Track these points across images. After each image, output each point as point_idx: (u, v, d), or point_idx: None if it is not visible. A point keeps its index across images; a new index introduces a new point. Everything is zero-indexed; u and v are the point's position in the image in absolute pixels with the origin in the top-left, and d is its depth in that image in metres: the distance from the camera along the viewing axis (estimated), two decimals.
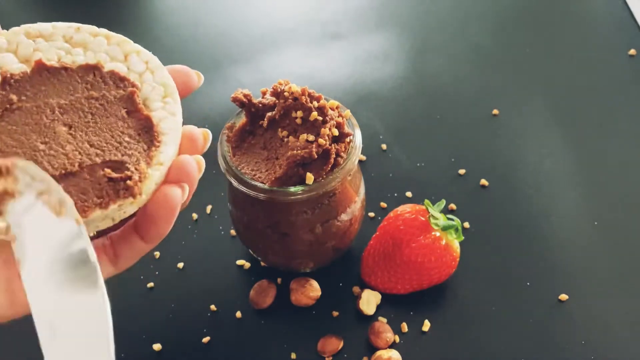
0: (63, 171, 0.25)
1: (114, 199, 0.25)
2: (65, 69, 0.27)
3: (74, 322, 0.22)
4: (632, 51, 0.58)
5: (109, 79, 0.28)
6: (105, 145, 0.26)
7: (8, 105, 0.26)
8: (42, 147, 0.26)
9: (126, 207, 0.25)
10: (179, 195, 0.26)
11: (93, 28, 0.29)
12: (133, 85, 0.28)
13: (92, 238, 0.29)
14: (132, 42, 0.29)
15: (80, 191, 0.25)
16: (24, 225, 0.23)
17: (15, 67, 0.27)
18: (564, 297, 0.42)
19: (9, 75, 0.27)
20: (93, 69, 0.28)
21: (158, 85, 0.28)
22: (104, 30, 0.29)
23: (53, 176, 0.24)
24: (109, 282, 0.43)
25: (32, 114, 0.26)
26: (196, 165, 0.27)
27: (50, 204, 0.23)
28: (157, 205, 0.26)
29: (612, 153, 0.50)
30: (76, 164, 0.25)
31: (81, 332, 0.22)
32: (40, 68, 0.27)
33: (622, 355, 0.39)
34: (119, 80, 0.28)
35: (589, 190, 0.48)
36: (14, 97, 0.26)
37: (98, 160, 0.26)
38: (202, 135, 0.29)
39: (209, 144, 0.29)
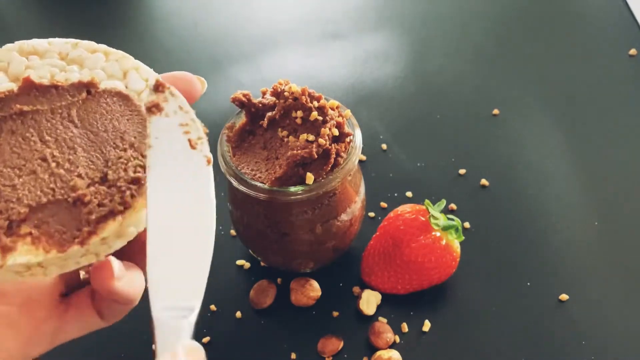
0: (41, 200, 0.23)
1: (101, 225, 0.23)
2: (56, 87, 0.26)
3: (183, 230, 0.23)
4: (632, 51, 0.58)
5: (104, 97, 0.26)
6: (93, 165, 0.25)
7: None
8: (16, 174, 0.24)
9: (112, 241, 0.24)
10: (107, 278, 0.24)
11: (91, 44, 0.27)
12: (132, 103, 0.26)
13: (83, 284, 0.28)
14: (132, 58, 0.27)
15: (59, 222, 0.23)
16: (160, 141, 0.23)
17: (3, 86, 0.25)
18: (564, 297, 0.42)
19: None
20: (86, 86, 0.26)
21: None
22: (102, 46, 0.27)
23: (29, 206, 0.23)
24: None
25: (13, 134, 0.25)
26: (199, 82, 0.27)
27: (187, 136, 0.23)
28: (95, 284, 0.24)
29: (613, 153, 0.50)
30: (56, 191, 0.24)
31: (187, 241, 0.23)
32: (28, 86, 0.25)
33: (622, 355, 0.39)
34: (117, 97, 0.26)
35: (589, 190, 0.48)
36: None
37: (96, 176, 0.24)
38: (198, 80, 0.28)
39: (204, 89, 0.29)
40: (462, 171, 0.50)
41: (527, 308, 0.42)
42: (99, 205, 0.24)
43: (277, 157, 0.36)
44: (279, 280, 0.44)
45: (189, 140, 0.24)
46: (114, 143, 0.25)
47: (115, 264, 0.24)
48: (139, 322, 0.42)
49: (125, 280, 0.25)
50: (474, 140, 0.52)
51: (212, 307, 0.43)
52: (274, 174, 0.35)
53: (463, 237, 0.41)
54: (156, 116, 0.24)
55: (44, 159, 0.24)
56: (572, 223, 0.46)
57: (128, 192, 0.24)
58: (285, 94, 0.36)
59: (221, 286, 0.44)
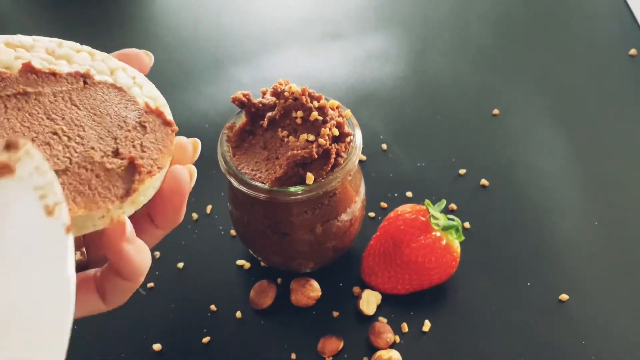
0: (60, 167, 0.24)
1: (127, 188, 0.24)
2: (54, 74, 0.26)
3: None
4: (633, 51, 0.58)
5: (100, 87, 0.27)
6: (112, 139, 0.26)
7: (7, 95, 0.25)
8: (49, 137, 0.25)
9: (126, 207, 0.25)
10: (121, 232, 0.25)
11: (76, 44, 0.28)
12: (127, 95, 0.27)
13: (84, 268, 0.28)
14: (116, 59, 0.28)
15: (83, 184, 0.24)
16: (9, 209, 0.20)
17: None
18: (564, 297, 0.42)
19: None
20: (84, 77, 0.27)
21: (147, 98, 0.28)
22: (87, 47, 0.28)
23: (58, 169, 0.24)
24: None
25: (20, 111, 0.25)
26: (188, 175, 0.27)
27: (44, 201, 0.21)
28: (104, 244, 0.25)
29: (613, 153, 0.50)
30: (81, 158, 0.25)
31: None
32: (28, 70, 0.26)
33: (622, 356, 0.39)
34: (112, 88, 0.27)
35: (590, 190, 0.48)
36: (18, 89, 0.25)
37: (108, 150, 0.25)
38: (192, 145, 0.28)
39: (198, 153, 0.29)
40: (462, 171, 0.50)
41: (527, 308, 0.42)
42: (129, 169, 0.25)
43: (277, 157, 0.36)
44: (279, 280, 0.44)
45: (45, 207, 0.21)
46: (118, 124, 0.26)
47: (128, 224, 0.25)
48: (139, 322, 0.43)
49: (135, 247, 0.25)
50: (474, 140, 0.52)
51: (212, 307, 0.43)
52: (274, 174, 0.35)
53: (463, 237, 0.41)
54: (6, 179, 0.21)
55: (55, 133, 0.25)
56: (572, 223, 0.46)
57: (149, 161, 0.26)
58: (286, 94, 0.36)
59: (221, 286, 0.44)
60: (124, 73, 0.28)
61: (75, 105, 0.26)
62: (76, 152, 0.25)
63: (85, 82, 0.27)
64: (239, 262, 0.45)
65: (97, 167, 0.25)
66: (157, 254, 0.46)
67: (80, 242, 0.28)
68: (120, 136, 0.26)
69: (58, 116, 0.25)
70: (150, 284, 0.44)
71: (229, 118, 0.38)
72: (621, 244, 0.45)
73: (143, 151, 0.26)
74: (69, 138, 0.25)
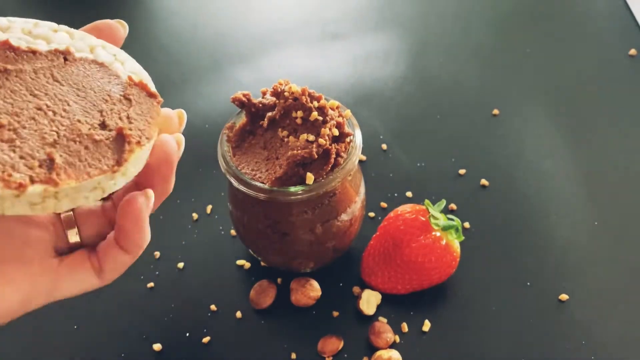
0: (47, 140, 0.24)
1: (110, 163, 0.24)
2: (34, 52, 0.26)
3: None
4: (633, 51, 0.58)
5: (81, 62, 0.27)
6: (99, 110, 0.26)
7: None
8: (33, 112, 0.24)
9: (117, 178, 0.25)
10: (142, 203, 0.26)
11: (53, 24, 0.28)
12: (109, 69, 0.27)
13: (78, 246, 0.29)
14: (94, 37, 0.28)
15: (72, 156, 0.24)
16: None
17: None
18: (564, 297, 0.42)
19: None
20: (64, 54, 0.27)
21: (130, 73, 0.28)
22: (64, 27, 0.28)
23: (46, 142, 0.24)
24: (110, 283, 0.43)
25: (1, 88, 0.25)
26: (175, 144, 0.27)
27: None
28: (123, 214, 0.26)
29: (613, 153, 0.50)
30: (68, 130, 0.25)
31: None
32: (6, 48, 0.25)
33: (622, 356, 0.39)
34: (93, 64, 0.27)
35: (589, 190, 0.48)
36: None
37: (95, 122, 0.25)
38: (177, 115, 0.28)
39: (184, 124, 0.29)
40: (462, 171, 0.50)
41: (527, 308, 0.42)
42: (117, 140, 0.25)
43: (277, 157, 0.36)
44: (279, 280, 0.44)
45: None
46: (103, 98, 0.26)
47: (151, 193, 0.26)
48: (139, 322, 0.43)
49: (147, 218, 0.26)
50: (474, 140, 0.52)
51: (212, 307, 0.43)
52: (274, 174, 0.35)
53: (463, 237, 0.41)
54: None
55: (39, 108, 0.25)
56: (572, 223, 0.46)
57: (137, 132, 0.25)
58: (285, 94, 0.36)
59: (221, 286, 0.44)
60: (104, 50, 0.28)
61: (58, 81, 0.26)
62: (62, 125, 0.25)
63: (65, 59, 0.27)
64: (239, 262, 0.45)
65: (86, 139, 0.24)
66: (157, 254, 0.46)
67: (73, 222, 0.29)
68: (106, 109, 0.26)
69: (41, 92, 0.25)
70: (150, 284, 0.44)
71: (229, 118, 0.39)
72: (621, 244, 0.45)
73: (130, 122, 0.26)
74: (54, 112, 0.25)
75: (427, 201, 0.41)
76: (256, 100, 0.38)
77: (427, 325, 0.41)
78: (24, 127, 0.24)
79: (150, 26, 0.67)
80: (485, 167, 0.50)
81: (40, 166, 0.23)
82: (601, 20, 0.62)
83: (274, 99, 0.37)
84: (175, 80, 0.60)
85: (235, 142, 0.38)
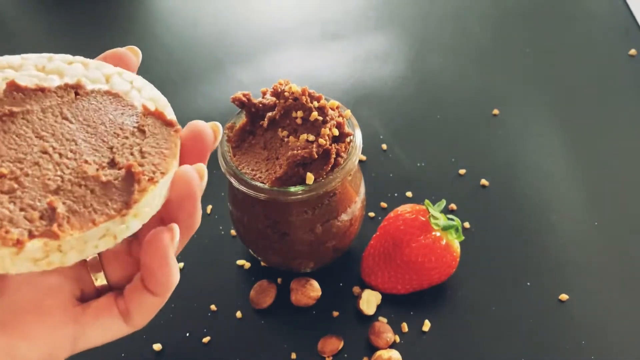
0: (50, 187, 0.22)
1: (118, 208, 0.22)
2: (42, 89, 0.24)
3: None
4: (633, 51, 0.58)
5: (93, 95, 0.25)
6: (109, 149, 0.24)
7: None
8: (38, 156, 0.23)
9: (129, 221, 0.23)
10: (167, 239, 0.24)
11: (67, 56, 0.26)
12: (123, 100, 0.25)
13: (106, 290, 0.27)
14: (111, 65, 0.27)
15: (77, 202, 0.22)
16: None
17: None
18: (564, 297, 0.42)
19: None
20: (74, 88, 0.25)
21: (147, 100, 0.26)
22: (79, 58, 0.26)
23: (49, 190, 0.22)
24: None
25: (6, 133, 0.23)
26: (197, 175, 0.24)
27: None
28: (146, 254, 0.24)
29: (613, 153, 0.50)
30: (71, 174, 0.23)
31: None
32: (13, 89, 0.24)
33: (622, 356, 0.39)
34: (106, 95, 0.25)
35: (590, 190, 0.48)
36: None
37: (104, 161, 0.23)
38: (212, 130, 0.26)
39: (219, 138, 0.26)
40: (462, 171, 0.50)
41: (527, 308, 0.42)
42: (127, 179, 0.23)
43: (277, 157, 0.36)
44: (279, 280, 0.44)
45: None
46: (114, 133, 0.24)
47: (176, 228, 0.24)
48: None
49: (174, 256, 0.24)
50: (474, 140, 0.52)
51: (212, 307, 0.43)
52: (274, 174, 0.35)
53: (463, 237, 0.41)
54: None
55: (45, 152, 0.23)
56: (572, 223, 0.46)
57: (150, 167, 0.23)
58: (286, 94, 0.36)
59: (221, 286, 0.44)
60: (120, 78, 0.26)
61: (67, 119, 0.24)
62: (68, 168, 0.23)
63: (77, 94, 0.25)
64: (239, 262, 0.45)
65: (92, 182, 0.23)
66: None
67: (99, 265, 0.27)
68: (117, 144, 0.24)
69: (48, 133, 0.23)
70: None
71: (229, 118, 0.38)
72: (621, 244, 0.45)
73: (143, 157, 0.24)
74: (60, 155, 0.23)
75: (427, 201, 0.41)
76: (256, 100, 0.37)
77: (427, 325, 0.41)
78: (27, 175, 0.22)
79: (151, 26, 0.67)
80: (485, 167, 0.50)
81: (41, 218, 0.21)
82: (601, 20, 0.62)
83: (274, 99, 0.37)
84: (176, 79, 0.60)
85: (235, 142, 0.38)
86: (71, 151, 0.23)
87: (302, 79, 0.59)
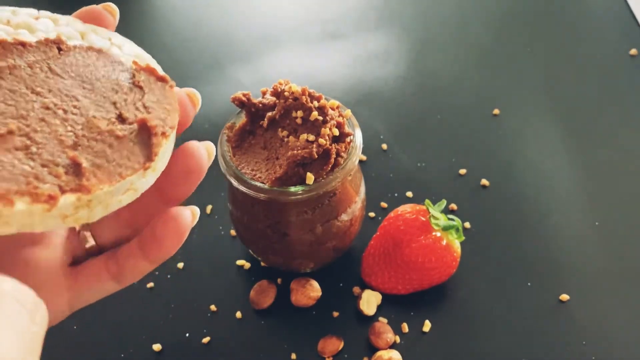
0: (73, 138, 0.21)
1: (142, 162, 0.22)
2: (23, 44, 0.23)
3: None
4: (633, 51, 0.58)
5: (77, 51, 0.24)
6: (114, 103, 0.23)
7: None
8: (44, 112, 0.21)
9: (148, 175, 0.22)
10: (189, 218, 0.25)
11: (32, 10, 0.24)
12: (108, 55, 0.24)
13: (97, 253, 0.27)
14: (81, 22, 0.25)
15: (99, 157, 0.21)
16: None
17: None
18: (564, 297, 0.42)
19: None
20: (56, 43, 0.23)
21: (131, 56, 0.25)
22: (45, 12, 0.25)
23: (66, 145, 0.21)
24: None
25: (11, 79, 0.22)
26: (206, 153, 0.25)
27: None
28: (166, 228, 0.25)
29: (613, 153, 0.50)
30: (86, 129, 0.22)
31: None
32: None
33: (622, 356, 0.39)
34: (90, 51, 0.24)
35: (590, 190, 0.48)
36: None
37: (111, 116, 0.22)
38: (187, 96, 0.26)
39: (199, 105, 0.27)
40: (462, 171, 0.50)
41: (528, 308, 0.41)
42: (141, 133, 0.22)
43: (277, 157, 0.36)
44: (279, 280, 0.44)
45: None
46: (112, 89, 0.23)
47: (197, 211, 0.26)
48: (139, 322, 0.42)
49: None
50: (474, 140, 0.52)
51: (212, 307, 0.43)
52: (274, 174, 0.35)
53: (463, 237, 0.41)
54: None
55: (47, 107, 0.22)
56: (573, 223, 0.46)
57: (159, 122, 0.23)
58: (286, 93, 0.36)
59: (221, 286, 0.44)
60: (97, 35, 0.25)
61: (58, 75, 0.23)
62: (78, 124, 0.22)
63: (59, 49, 0.24)
64: (239, 262, 0.45)
65: (108, 137, 0.22)
66: None
67: (87, 228, 0.27)
68: (119, 100, 0.23)
69: (43, 89, 0.22)
70: (150, 284, 0.44)
71: (229, 118, 0.38)
72: (622, 244, 0.45)
73: (148, 112, 0.23)
74: (65, 110, 0.22)
75: (427, 201, 0.41)
76: (256, 100, 0.37)
77: (427, 326, 0.41)
78: (36, 131, 0.21)
79: (151, 25, 0.67)
80: (486, 167, 0.50)
81: (67, 173, 0.20)
82: (601, 20, 0.62)
83: (274, 98, 0.37)
84: (176, 79, 0.59)
85: (235, 142, 0.38)
86: (74, 107, 0.22)
87: (302, 79, 0.59)
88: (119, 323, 0.42)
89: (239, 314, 0.42)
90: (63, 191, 0.20)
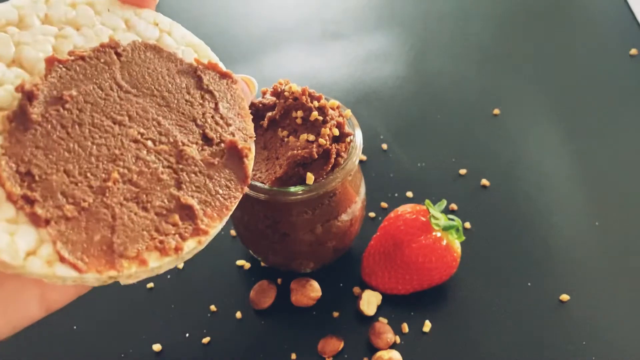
0: (172, 175, 0.21)
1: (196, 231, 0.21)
2: (82, 58, 0.21)
3: None
4: (633, 51, 0.58)
5: (136, 53, 0.22)
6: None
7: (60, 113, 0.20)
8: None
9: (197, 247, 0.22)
10: None
11: None
12: (163, 51, 0.22)
13: None
14: (119, 3, 0.23)
15: (202, 192, 0.21)
16: None
17: (12, 75, 0.20)
18: (564, 297, 0.42)
19: (30, 89, 0.20)
20: (113, 48, 0.22)
21: (187, 48, 0.24)
22: None
23: (169, 185, 0.20)
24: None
25: (81, 126, 0.20)
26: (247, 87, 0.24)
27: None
28: None
29: (613, 153, 0.50)
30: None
31: None
32: (53, 65, 0.21)
33: (622, 356, 0.39)
34: (147, 50, 0.22)
35: (590, 190, 0.48)
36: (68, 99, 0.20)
37: (197, 139, 0.22)
38: (246, 84, 0.25)
39: (255, 92, 0.25)
40: (462, 171, 0.50)
41: (528, 308, 0.41)
42: (231, 154, 0.22)
43: (277, 157, 0.36)
44: (279, 280, 0.44)
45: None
46: (186, 100, 0.22)
47: None
48: (139, 322, 0.42)
49: None
50: (474, 140, 0.52)
51: (212, 307, 0.43)
52: (274, 174, 0.35)
53: (464, 237, 0.41)
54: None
55: (136, 141, 0.21)
56: (573, 223, 0.46)
57: (242, 135, 0.22)
58: (286, 93, 0.36)
59: (221, 287, 0.44)
60: (141, 19, 0.23)
61: (129, 92, 0.21)
62: (171, 155, 0.21)
63: (117, 55, 0.22)
64: (239, 262, 0.45)
65: (204, 167, 0.21)
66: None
67: None
68: (198, 115, 0.22)
69: (123, 116, 0.21)
70: (150, 284, 0.44)
71: None
72: (622, 244, 0.45)
73: (228, 125, 0.22)
74: (153, 141, 0.21)
75: (427, 201, 0.41)
76: (256, 100, 0.37)
77: (427, 326, 0.41)
78: (137, 174, 0.20)
79: None
80: (486, 167, 0.50)
81: (182, 218, 0.20)
82: (602, 20, 0.62)
83: (274, 98, 0.37)
84: None
85: None
86: (160, 133, 0.21)
87: (302, 79, 0.59)
88: (119, 323, 0.42)
89: (239, 314, 0.42)
90: (184, 238, 0.20)
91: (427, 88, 0.57)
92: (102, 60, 0.22)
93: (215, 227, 0.21)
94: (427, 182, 0.49)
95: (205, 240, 0.21)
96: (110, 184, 0.20)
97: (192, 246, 0.21)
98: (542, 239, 0.45)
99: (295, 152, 0.34)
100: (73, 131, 0.20)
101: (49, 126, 0.20)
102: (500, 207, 0.47)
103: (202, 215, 0.21)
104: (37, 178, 0.19)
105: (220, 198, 0.21)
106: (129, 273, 0.19)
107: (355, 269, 0.44)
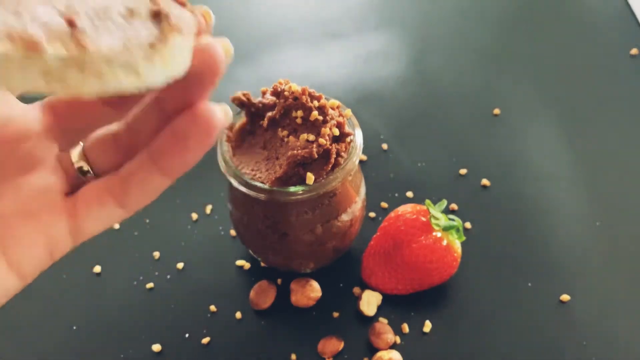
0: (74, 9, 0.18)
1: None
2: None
3: None
4: (634, 51, 0.58)
5: None
6: None
7: None
8: None
9: (157, 63, 0.19)
10: (221, 115, 0.23)
11: None
12: None
13: (92, 177, 0.25)
14: None
15: (100, 27, 0.19)
16: None
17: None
18: (565, 297, 0.42)
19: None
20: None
21: None
22: None
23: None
24: (107, 281, 0.43)
25: None
26: (222, 50, 0.22)
27: None
28: (192, 124, 0.22)
29: (614, 153, 0.50)
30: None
31: None
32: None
33: (622, 356, 0.39)
34: None
35: (591, 191, 0.48)
36: None
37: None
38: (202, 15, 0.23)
39: (230, 57, 0.24)
40: (463, 171, 0.50)
41: (528, 308, 0.41)
42: (154, 20, 0.20)
43: (277, 157, 0.36)
44: (279, 280, 0.44)
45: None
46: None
47: (228, 108, 0.23)
48: (139, 322, 0.42)
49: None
50: (475, 140, 0.52)
51: (212, 307, 0.43)
52: (274, 174, 0.35)
53: (464, 238, 0.41)
54: None
55: None
56: (573, 223, 0.46)
57: (176, 21, 0.20)
58: (286, 93, 0.36)
59: (221, 287, 0.44)
60: None
61: None
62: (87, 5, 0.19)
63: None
64: (239, 262, 0.45)
65: (116, 16, 0.19)
66: (157, 254, 0.46)
67: (82, 156, 0.25)
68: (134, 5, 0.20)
69: None
70: (150, 284, 0.44)
71: None
72: (622, 244, 0.45)
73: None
74: None
75: (427, 201, 0.41)
76: (256, 100, 0.37)
77: (427, 326, 0.41)
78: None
79: None
80: (487, 167, 0.50)
81: (59, 29, 0.17)
82: (602, 20, 0.62)
83: (274, 98, 0.37)
84: None
85: (235, 142, 0.38)
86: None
87: (302, 79, 0.59)
88: (119, 323, 0.42)
89: (238, 315, 0.42)
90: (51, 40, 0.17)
91: (427, 88, 0.57)
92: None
93: (98, 50, 0.18)
94: (428, 182, 0.49)
95: (79, 58, 0.18)
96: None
97: (57, 52, 0.17)
98: (543, 239, 0.45)
99: (295, 152, 0.34)
100: None
101: None
102: (501, 207, 0.47)
103: (84, 35, 0.18)
104: None
105: (120, 37, 0.19)
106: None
107: (355, 269, 0.44)
